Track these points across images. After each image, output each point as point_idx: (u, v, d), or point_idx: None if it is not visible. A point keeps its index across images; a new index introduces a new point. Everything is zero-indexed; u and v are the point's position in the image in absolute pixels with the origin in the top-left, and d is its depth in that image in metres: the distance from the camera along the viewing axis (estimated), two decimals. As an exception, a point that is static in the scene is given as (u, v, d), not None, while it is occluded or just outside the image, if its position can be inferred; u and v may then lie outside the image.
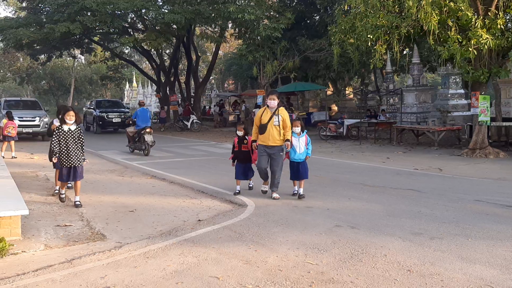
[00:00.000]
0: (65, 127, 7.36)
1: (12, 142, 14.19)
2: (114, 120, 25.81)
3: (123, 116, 25.62)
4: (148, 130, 14.65)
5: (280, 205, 7.49)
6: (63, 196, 7.93)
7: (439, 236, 5.68)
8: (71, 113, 7.30)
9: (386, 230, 5.93)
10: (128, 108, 31.39)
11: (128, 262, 4.88)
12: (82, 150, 7.50)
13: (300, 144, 7.95)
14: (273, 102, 7.88)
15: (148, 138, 14.66)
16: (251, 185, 8.64)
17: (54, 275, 4.52)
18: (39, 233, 6.01)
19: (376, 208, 7.25)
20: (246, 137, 8.23)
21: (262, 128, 7.85)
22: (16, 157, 13.82)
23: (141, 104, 16.38)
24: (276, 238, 5.68)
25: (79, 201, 7.50)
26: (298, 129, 8.02)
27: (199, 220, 6.69)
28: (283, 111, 7.93)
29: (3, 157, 12.29)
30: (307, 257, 4.97)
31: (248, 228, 6.08)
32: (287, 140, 7.79)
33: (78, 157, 7.43)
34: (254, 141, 8.05)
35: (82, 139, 7.51)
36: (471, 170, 11.30)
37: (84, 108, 33.23)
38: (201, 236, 5.82)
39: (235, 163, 8.39)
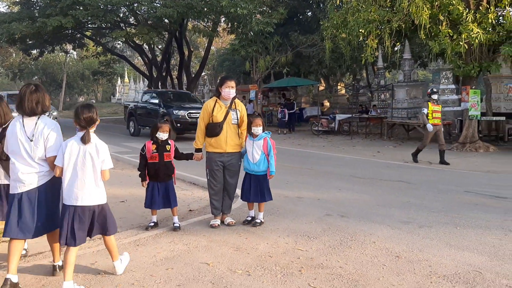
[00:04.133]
0: None
1: None
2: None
3: None
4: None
5: (271, 195, 7.52)
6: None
7: (427, 224, 5.74)
8: None
9: (375, 219, 5.99)
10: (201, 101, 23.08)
11: (118, 250, 4.87)
12: None
13: (255, 150, 5.67)
14: (231, 91, 5.73)
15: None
16: (177, 224, 5.68)
17: (44, 261, 4.52)
18: (29, 222, 5.99)
19: (366, 198, 7.31)
20: (169, 142, 5.76)
21: (215, 129, 5.68)
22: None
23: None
24: (266, 226, 5.71)
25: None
26: (258, 130, 5.69)
27: (190, 210, 6.72)
28: (240, 104, 5.94)
29: None
30: (297, 244, 5.01)
31: (239, 218, 6.09)
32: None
33: None
34: (199, 150, 5.94)
35: None
36: (461, 163, 11.39)
37: (127, 104, 24.63)
38: (192, 225, 5.84)
39: (147, 183, 5.69)
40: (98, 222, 3.97)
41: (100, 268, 4.35)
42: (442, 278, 4.05)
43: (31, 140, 3.86)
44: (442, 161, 11.23)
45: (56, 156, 3.88)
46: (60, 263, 4.19)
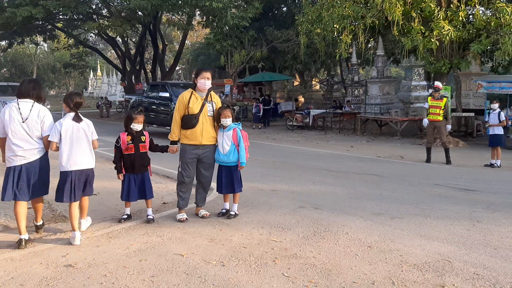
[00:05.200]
0: None
1: None
2: None
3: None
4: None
5: (245, 188, 7.49)
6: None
7: (399, 216, 5.85)
8: None
9: (348, 211, 6.07)
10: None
11: (91, 242, 4.82)
12: None
13: (225, 141, 5.69)
14: (207, 82, 5.64)
15: None
16: (150, 216, 5.63)
17: (13, 254, 4.43)
18: (-1, 215, 5.87)
19: (339, 191, 7.40)
20: (144, 133, 5.69)
21: (191, 121, 5.63)
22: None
23: None
24: (241, 218, 5.72)
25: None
26: (228, 121, 5.65)
27: (164, 203, 6.67)
28: (216, 96, 5.89)
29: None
30: (271, 235, 5.04)
31: (214, 210, 6.09)
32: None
33: None
34: (175, 142, 5.86)
35: None
36: (432, 157, 11.59)
37: (128, 97, 23.52)
38: (166, 217, 5.80)
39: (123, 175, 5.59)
40: (88, 182, 4.98)
41: (72, 260, 4.28)
42: (412, 267, 4.14)
43: (23, 122, 4.59)
44: (448, 160, 10.66)
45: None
46: (40, 223, 5.12)
